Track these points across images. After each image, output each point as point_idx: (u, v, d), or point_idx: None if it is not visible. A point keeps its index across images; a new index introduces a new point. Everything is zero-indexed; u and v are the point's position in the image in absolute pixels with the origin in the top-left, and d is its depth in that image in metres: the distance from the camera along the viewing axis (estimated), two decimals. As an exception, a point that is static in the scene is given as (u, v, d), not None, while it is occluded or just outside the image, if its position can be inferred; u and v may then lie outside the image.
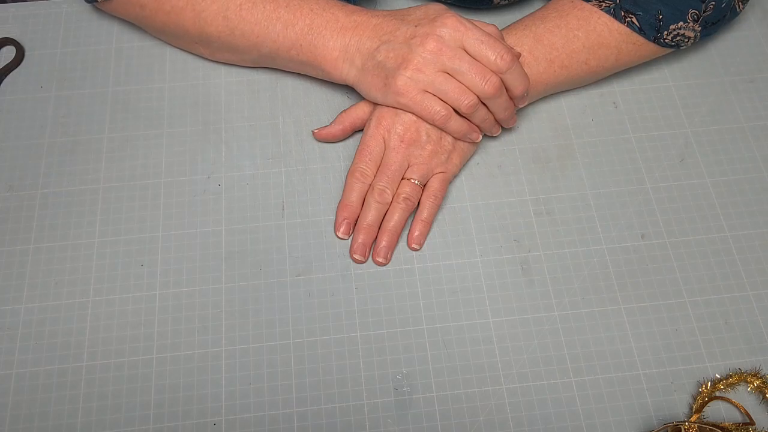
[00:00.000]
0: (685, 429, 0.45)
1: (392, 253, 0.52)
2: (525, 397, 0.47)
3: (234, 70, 0.60)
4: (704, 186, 0.55)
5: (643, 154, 0.56)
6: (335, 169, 0.56)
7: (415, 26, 0.50)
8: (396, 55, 0.50)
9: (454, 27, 0.49)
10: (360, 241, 0.52)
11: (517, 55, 0.51)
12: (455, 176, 0.55)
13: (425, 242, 0.53)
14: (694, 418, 0.46)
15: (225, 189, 0.55)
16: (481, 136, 0.53)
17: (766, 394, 0.47)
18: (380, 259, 0.52)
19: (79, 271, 0.51)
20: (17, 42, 0.60)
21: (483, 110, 0.51)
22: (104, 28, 0.62)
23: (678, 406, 0.47)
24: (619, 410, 0.47)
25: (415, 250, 0.52)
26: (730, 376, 0.48)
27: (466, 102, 0.50)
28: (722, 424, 0.45)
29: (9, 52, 0.61)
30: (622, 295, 0.51)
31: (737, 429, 0.45)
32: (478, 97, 0.50)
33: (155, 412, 0.47)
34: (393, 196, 0.52)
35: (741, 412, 0.47)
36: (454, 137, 0.53)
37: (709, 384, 0.47)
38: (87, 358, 0.48)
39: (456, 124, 0.51)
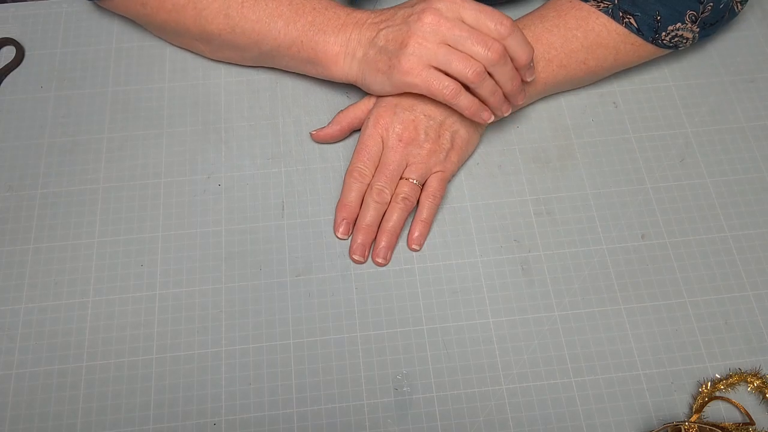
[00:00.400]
0: (685, 429, 0.45)
1: (392, 253, 0.52)
2: (525, 397, 0.47)
3: (234, 70, 0.60)
4: (704, 186, 0.55)
5: (643, 154, 0.56)
6: (335, 169, 0.56)
7: (411, 7, 0.50)
8: (395, 37, 0.50)
9: (450, 0, 0.49)
10: (359, 241, 0.52)
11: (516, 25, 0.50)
12: (454, 175, 0.55)
13: (425, 242, 0.53)
14: (694, 418, 0.46)
15: (225, 189, 0.55)
16: (492, 117, 0.52)
17: (766, 394, 0.47)
18: (380, 260, 0.52)
19: (79, 271, 0.51)
20: (17, 42, 0.60)
21: (490, 81, 0.50)
22: (104, 28, 0.62)
23: (678, 406, 0.47)
24: (619, 410, 0.47)
25: (415, 251, 0.52)
26: (730, 376, 0.48)
27: (471, 70, 0.48)
28: (722, 424, 0.45)
29: (9, 52, 0.61)
30: (622, 295, 0.51)
31: (737, 429, 0.45)
32: (483, 66, 0.48)
33: (155, 412, 0.47)
34: (392, 196, 0.52)
35: (741, 412, 0.47)
36: (465, 115, 0.51)
37: (709, 384, 0.47)
38: (87, 358, 0.48)
39: (466, 100, 0.50)
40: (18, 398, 0.47)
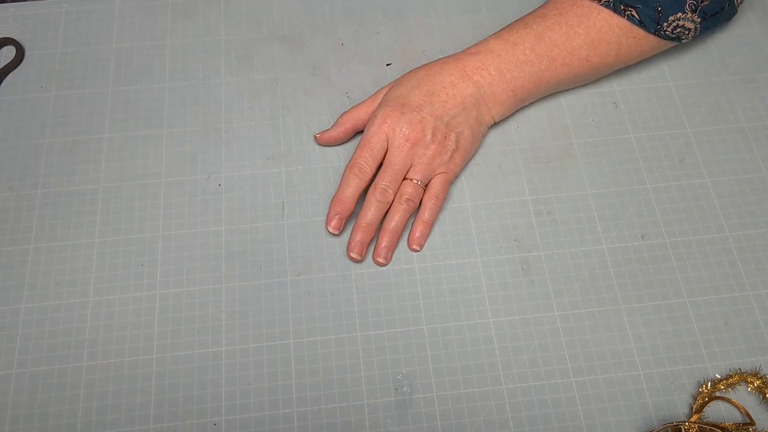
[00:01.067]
0: (685, 429, 0.45)
1: (393, 253, 0.52)
2: (525, 397, 0.47)
3: (234, 70, 0.60)
4: (704, 186, 0.55)
5: (643, 154, 0.56)
6: (335, 169, 0.56)
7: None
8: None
9: None
10: (358, 239, 0.52)
11: None
12: (457, 177, 0.55)
13: (425, 241, 0.53)
14: (695, 418, 0.46)
15: (225, 189, 0.55)
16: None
17: (766, 394, 0.47)
18: (381, 260, 0.51)
19: (79, 271, 0.51)
20: (17, 42, 0.60)
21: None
22: (104, 28, 0.62)
23: (678, 406, 0.47)
24: (619, 410, 0.47)
25: (416, 251, 0.52)
26: (730, 376, 0.48)
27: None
28: (722, 424, 0.45)
29: (9, 52, 0.61)
30: (622, 295, 0.51)
31: (737, 429, 0.45)
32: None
33: (155, 412, 0.47)
34: (395, 196, 0.52)
35: (741, 412, 0.47)
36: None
37: (709, 384, 0.47)
38: (87, 358, 0.48)
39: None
40: (18, 398, 0.47)
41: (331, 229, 0.52)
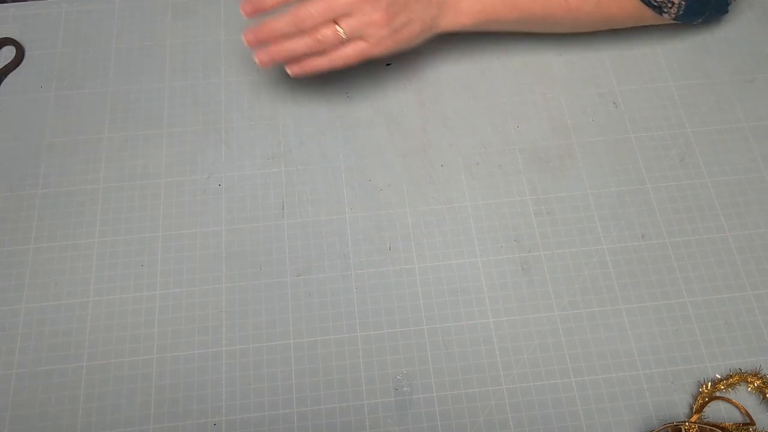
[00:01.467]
0: (685, 429, 0.45)
1: (270, 64, 0.51)
2: (525, 397, 0.47)
3: (234, 70, 0.60)
4: (704, 186, 0.55)
5: (643, 154, 0.56)
6: (335, 169, 0.56)
7: None
8: None
9: None
10: (255, 31, 0.50)
11: None
12: (372, 58, 0.52)
13: (425, 241, 0.52)
14: (695, 418, 0.46)
15: (225, 189, 0.55)
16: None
17: (766, 394, 0.47)
18: (257, 60, 0.50)
19: (79, 271, 0.51)
20: (17, 42, 0.60)
21: None
22: (104, 28, 0.62)
23: (678, 406, 0.47)
24: (619, 410, 0.47)
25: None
26: (731, 376, 0.48)
27: None
28: (722, 424, 0.45)
29: (9, 52, 0.61)
30: (622, 295, 0.51)
31: (737, 429, 0.45)
32: None
33: (155, 412, 0.47)
34: (312, 28, 0.49)
35: (741, 412, 0.47)
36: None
37: (709, 384, 0.47)
38: (87, 358, 0.48)
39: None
40: (18, 398, 0.47)
41: (242, 7, 0.50)
